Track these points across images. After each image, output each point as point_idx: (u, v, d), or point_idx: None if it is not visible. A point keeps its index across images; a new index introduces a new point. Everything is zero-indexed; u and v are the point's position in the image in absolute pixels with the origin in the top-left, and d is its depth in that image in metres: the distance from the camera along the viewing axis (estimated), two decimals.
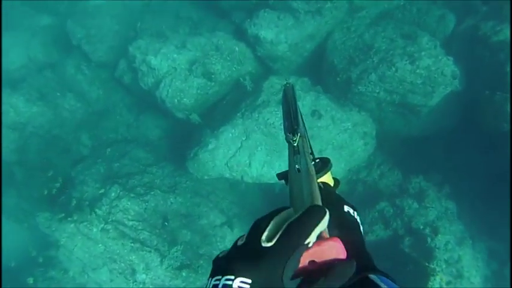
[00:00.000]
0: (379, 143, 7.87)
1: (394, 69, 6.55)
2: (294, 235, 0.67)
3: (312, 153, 1.20)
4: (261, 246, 0.66)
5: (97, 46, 9.27)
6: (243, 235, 0.73)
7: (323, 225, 0.69)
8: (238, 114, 6.79)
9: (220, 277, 0.64)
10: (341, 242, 0.70)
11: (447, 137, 7.61)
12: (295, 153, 1.06)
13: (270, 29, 6.88)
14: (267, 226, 0.69)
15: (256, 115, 6.69)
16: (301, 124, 1.16)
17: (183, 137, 8.45)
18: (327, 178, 1.29)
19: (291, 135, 1.11)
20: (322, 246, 0.68)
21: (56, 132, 8.98)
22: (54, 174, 8.81)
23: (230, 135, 6.77)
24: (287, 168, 1.09)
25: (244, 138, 6.74)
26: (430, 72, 6.56)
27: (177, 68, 7.02)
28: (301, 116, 1.23)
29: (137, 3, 10.44)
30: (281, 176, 1.19)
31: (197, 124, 7.57)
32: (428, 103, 6.97)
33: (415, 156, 8.09)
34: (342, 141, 7.25)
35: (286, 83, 1.35)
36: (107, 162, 8.57)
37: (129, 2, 10.55)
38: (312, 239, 0.67)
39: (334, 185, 1.33)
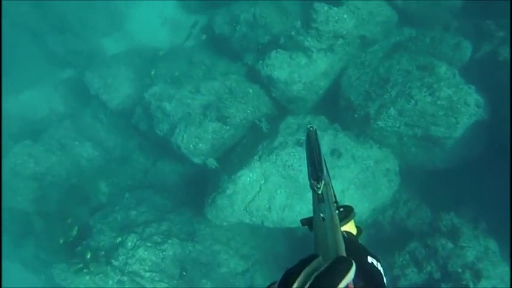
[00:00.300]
0: (403, 178, 7.50)
1: (413, 102, 6.32)
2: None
3: (336, 201, 1.22)
4: None
5: (114, 95, 9.46)
6: (275, 282, 0.77)
7: (349, 277, 0.72)
8: (255, 157, 6.62)
9: None
10: None
11: (476, 168, 7.19)
12: (320, 202, 1.09)
13: (283, 69, 6.85)
14: (297, 277, 0.72)
15: (274, 157, 6.50)
16: (325, 171, 1.19)
17: (201, 182, 8.30)
18: (350, 226, 1.32)
19: (315, 183, 1.14)
20: None
21: (74, 181, 9.01)
22: (72, 223, 8.75)
23: (248, 179, 6.57)
24: (309, 211, 1.14)
25: (262, 182, 6.52)
26: (452, 103, 6.29)
27: (192, 113, 7.00)
28: (325, 162, 1.24)
29: (151, 52, 10.76)
30: (305, 222, 1.21)
31: (214, 169, 7.42)
32: (453, 134, 6.65)
33: (443, 190, 7.66)
34: (364, 179, 6.94)
35: (310, 126, 1.38)
36: (124, 210, 8.46)
37: (143, 51, 10.89)
38: None
39: (357, 233, 1.35)
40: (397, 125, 6.75)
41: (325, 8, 6.41)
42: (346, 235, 1.21)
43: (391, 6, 7.47)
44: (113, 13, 11.75)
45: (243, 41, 8.18)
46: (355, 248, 1.17)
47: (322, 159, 1.24)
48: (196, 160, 7.31)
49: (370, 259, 1.13)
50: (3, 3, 11.40)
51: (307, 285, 0.70)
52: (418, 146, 7.19)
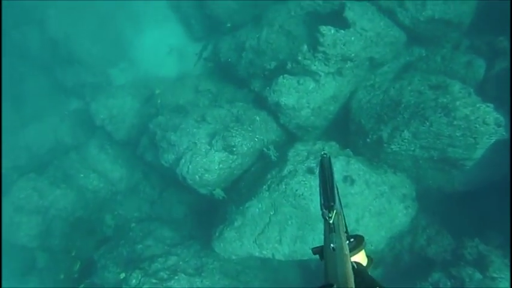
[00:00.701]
0: (420, 203, 7.12)
1: (428, 123, 6.02)
2: None
3: (347, 231, 1.21)
4: None
5: (119, 125, 9.34)
6: None
7: None
8: (264, 187, 6.33)
9: None
10: None
11: (499, 190, 6.75)
12: (331, 231, 1.10)
13: (291, 95, 6.64)
14: None
15: (284, 187, 6.20)
16: (337, 201, 1.19)
17: (209, 212, 8.01)
18: (361, 256, 1.30)
19: (326, 212, 1.15)
20: None
21: (79, 214, 8.78)
22: (76, 256, 8.49)
23: (257, 210, 6.25)
24: (321, 242, 1.12)
25: (272, 213, 6.19)
26: (470, 123, 5.96)
27: (197, 142, 6.78)
28: (338, 190, 1.23)
29: (157, 81, 10.72)
30: (316, 250, 1.21)
31: (222, 199, 7.13)
32: (472, 156, 6.29)
33: (465, 215, 7.22)
34: (379, 206, 6.57)
35: (323, 153, 1.38)
36: (130, 243, 8.18)
37: (149, 81, 10.87)
38: None
39: (367, 263, 1.33)
40: (412, 148, 6.43)
41: (332, 31, 6.24)
42: (355, 266, 1.19)
43: (399, 26, 7.29)
44: (120, 43, 11.83)
45: (249, 67, 8.05)
46: (364, 280, 1.15)
47: (335, 187, 1.22)
48: (203, 191, 7.04)
49: None
50: (13, 36, 11.63)
51: None
52: (435, 169, 6.83)
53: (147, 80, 10.88)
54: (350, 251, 1.15)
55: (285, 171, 6.30)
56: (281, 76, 6.78)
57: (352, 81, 7.26)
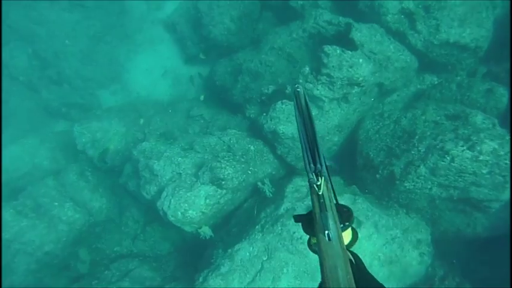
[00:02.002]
0: (437, 250, 6.19)
1: (449, 158, 5.19)
2: None
3: (335, 198, 1.13)
4: None
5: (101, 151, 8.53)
6: None
7: None
8: (257, 227, 5.43)
9: None
10: None
11: None
12: (322, 209, 0.99)
13: (290, 123, 5.85)
14: None
15: (279, 228, 5.30)
16: (323, 161, 1.07)
17: (195, 251, 7.08)
18: (348, 232, 1.25)
19: (314, 179, 1.06)
20: None
21: (49, 249, 7.77)
22: None
23: (248, 254, 5.33)
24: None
25: (265, 258, 5.26)
26: (499, 158, 5.13)
27: (182, 173, 5.95)
28: (320, 143, 1.12)
29: (148, 104, 10.04)
30: (299, 218, 1.14)
31: (209, 238, 6.21)
32: (500, 196, 5.43)
33: (489, 264, 6.27)
34: (390, 253, 5.65)
35: (297, 86, 1.20)
36: (104, 284, 7.20)
37: (140, 104, 10.19)
38: None
39: (352, 237, 1.28)
40: (429, 186, 5.58)
41: (338, 51, 5.54)
42: (353, 260, 1.13)
43: (410, 50, 6.62)
44: (112, 65, 11.25)
45: (245, 91, 7.34)
46: (364, 278, 1.11)
47: (318, 141, 1.10)
48: (187, 229, 6.12)
49: None
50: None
51: None
52: (454, 210, 5.96)
53: (138, 103, 10.20)
54: (341, 227, 1.06)
55: (282, 210, 5.42)
56: (279, 102, 6.03)
57: (359, 109, 6.51)
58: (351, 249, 1.20)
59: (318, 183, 1.02)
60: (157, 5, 11.08)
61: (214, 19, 8.64)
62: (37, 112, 11.17)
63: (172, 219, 5.71)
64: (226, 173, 5.53)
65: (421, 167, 5.32)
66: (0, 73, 10.78)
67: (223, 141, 6.30)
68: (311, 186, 1.06)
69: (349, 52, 5.59)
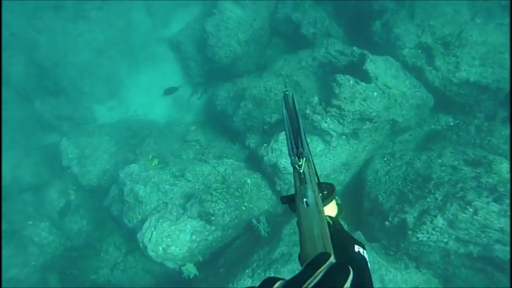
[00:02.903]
0: None
1: (471, 210, 4.58)
2: None
3: (318, 179, 1.16)
4: None
5: (88, 168, 7.95)
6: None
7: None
8: (247, 272, 4.75)
9: None
10: None
11: None
12: (302, 182, 1.06)
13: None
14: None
15: (272, 274, 4.61)
16: (306, 146, 1.14)
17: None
18: (332, 205, 1.30)
19: (296, 160, 1.11)
20: None
21: (13, 273, 7.03)
22: None
23: None
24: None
25: None
26: None
27: (169, 203, 5.32)
28: (305, 134, 1.20)
29: (143, 124, 9.53)
30: (285, 199, 1.19)
31: (194, 278, 5.51)
32: None
33: None
34: None
35: (286, 90, 1.32)
36: None
37: (135, 123, 9.68)
38: None
39: (338, 212, 1.32)
40: (445, 240, 4.93)
41: (351, 81, 5.05)
42: (331, 221, 1.17)
43: (427, 88, 6.16)
44: (112, 80, 10.83)
45: (246, 119, 6.82)
46: (341, 237, 1.13)
47: (302, 130, 1.17)
48: (170, 265, 5.43)
49: (356, 247, 1.11)
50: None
51: None
52: (472, 269, 5.26)
53: (133, 122, 9.69)
54: (322, 201, 1.09)
55: (276, 254, 4.76)
56: (283, 132, 5.49)
57: (368, 147, 5.97)
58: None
59: (300, 164, 1.08)
60: (164, 23, 10.81)
61: (221, 40, 8.27)
62: (29, 122, 10.65)
63: (152, 254, 5.04)
64: (217, 208, 4.91)
65: (438, 217, 4.70)
66: (0, 80, 10.38)
67: (218, 171, 5.72)
68: (293, 167, 1.11)
69: (364, 84, 5.10)
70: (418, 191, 5.22)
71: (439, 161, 5.52)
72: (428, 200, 4.95)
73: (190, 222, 4.95)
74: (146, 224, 5.25)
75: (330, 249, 0.84)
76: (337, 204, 1.33)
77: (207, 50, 8.70)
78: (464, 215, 4.54)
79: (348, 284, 0.64)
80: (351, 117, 5.18)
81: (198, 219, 4.94)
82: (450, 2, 6.73)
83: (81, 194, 8.09)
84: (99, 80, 10.75)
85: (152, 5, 10.93)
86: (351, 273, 0.65)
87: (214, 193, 5.03)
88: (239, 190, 5.26)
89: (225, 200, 5.01)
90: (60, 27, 10.48)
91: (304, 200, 0.99)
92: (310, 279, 0.63)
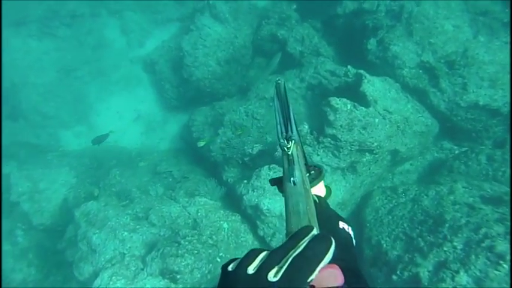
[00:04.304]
0: None
1: (506, 266, 3.68)
2: (299, 272, 0.61)
3: (306, 161, 1.20)
4: (268, 281, 0.60)
5: (41, 204, 6.85)
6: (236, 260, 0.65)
7: (328, 258, 0.64)
8: None
9: None
10: (339, 269, 0.65)
11: None
12: (290, 163, 1.07)
13: (278, 196, 4.35)
14: (275, 262, 0.62)
15: None
16: (295, 130, 1.17)
17: None
18: (320, 186, 1.34)
19: (284, 142, 1.12)
20: (322, 273, 0.63)
21: None
22: None
23: None
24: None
25: None
26: None
27: (127, 254, 4.28)
28: (295, 120, 1.24)
29: (112, 152, 8.50)
30: (274, 182, 1.22)
31: None
32: None
33: None
34: None
35: (278, 79, 1.32)
36: None
37: (103, 151, 8.64)
38: (316, 274, 0.62)
39: (326, 194, 1.37)
40: None
41: (348, 106, 4.22)
42: (317, 200, 1.20)
43: (431, 112, 5.40)
44: (79, 103, 9.83)
45: (225, 148, 5.89)
46: (326, 214, 1.18)
47: (292, 116, 1.19)
48: None
49: (341, 224, 1.15)
50: None
51: (283, 269, 0.60)
52: None
53: (101, 150, 8.63)
54: (310, 182, 1.14)
55: None
56: (266, 166, 4.57)
57: (366, 181, 5.09)
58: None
59: (288, 146, 1.06)
60: (139, 42, 9.97)
61: (198, 60, 7.44)
62: None
63: None
64: (184, 263, 3.88)
65: (461, 273, 3.79)
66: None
67: (189, 213, 4.73)
68: (282, 150, 1.09)
69: (363, 108, 4.28)
70: (429, 235, 4.32)
71: (451, 197, 4.67)
72: (445, 249, 4.05)
73: (150, 281, 3.91)
74: (98, 281, 4.17)
75: (315, 223, 0.85)
76: (325, 186, 1.36)
77: (183, 70, 7.85)
78: (497, 272, 3.63)
79: (329, 253, 0.63)
80: (349, 148, 4.31)
81: (160, 277, 3.91)
82: (450, 19, 6.11)
83: (32, 235, 6.92)
84: (65, 103, 9.74)
85: (127, 23, 10.11)
86: (333, 243, 0.64)
87: (182, 242, 4.02)
88: (213, 237, 4.26)
89: (195, 252, 4.00)
90: (22, 44, 9.54)
91: (292, 179, 0.98)
92: (293, 250, 0.63)
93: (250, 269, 0.62)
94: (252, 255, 0.64)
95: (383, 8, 6.30)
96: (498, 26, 6.32)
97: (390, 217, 4.89)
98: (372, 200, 5.15)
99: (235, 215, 4.64)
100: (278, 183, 1.17)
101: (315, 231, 0.68)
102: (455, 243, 4.04)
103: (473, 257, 3.79)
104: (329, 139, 4.31)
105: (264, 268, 0.61)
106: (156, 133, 9.03)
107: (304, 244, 0.64)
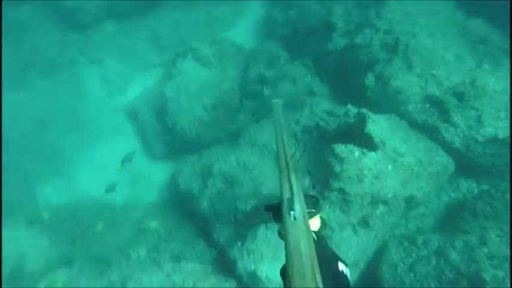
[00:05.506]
0: None
1: None
2: None
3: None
4: None
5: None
6: None
7: None
8: None
9: None
10: None
11: None
12: (291, 192, 1.10)
13: (277, 261, 3.62)
14: None
15: None
16: (290, 156, 1.21)
17: None
18: (316, 219, 1.39)
19: (284, 163, 1.19)
20: None
21: None
22: None
23: None
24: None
25: None
26: None
27: None
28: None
29: (93, 208, 7.72)
30: (269, 208, 1.25)
31: None
32: None
33: None
34: None
35: (275, 101, 1.44)
36: None
37: (85, 207, 7.87)
38: None
39: (321, 226, 1.40)
40: None
41: (356, 153, 3.61)
42: (315, 237, 1.25)
43: (445, 149, 4.81)
44: (57, 156, 9.17)
45: (215, 202, 5.19)
46: (325, 254, 1.22)
47: (287, 136, 1.30)
48: None
49: (340, 266, 1.26)
50: None
51: None
52: None
53: (79, 206, 7.88)
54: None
55: None
56: (263, 225, 3.88)
57: (379, 234, 4.39)
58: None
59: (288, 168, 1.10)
60: (121, 90, 9.49)
61: (182, 107, 6.90)
62: None
63: None
64: None
65: None
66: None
67: (174, 282, 3.95)
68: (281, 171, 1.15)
69: (373, 154, 3.67)
70: None
71: (485, 250, 3.97)
72: None
73: None
74: None
75: (318, 279, 0.82)
76: (320, 218, 1.37)
77: (167, 118, 7.28)
78: None
79: None
80: (359, 202, 3.65)
81: None
82: (449, 48, 5.72)
83: None
84: (42, 156, 9.08)
85: (108, 70, 9.70)
86: None
87: None
88: None
89: None
90: None
91: (292, 212, 0.97)
92: None
93: None
94: None
95: (377, 42, 5.89)
96: (500, 53, 5.94)
97: (412, 275, 4.16)
98: (388, 254, 4.42)
99: (230, 280, 3.86)
100: (273, 209, 1.17)
101: None
102: None
103: None
104: (336, 193, 3.66)
105: None
106: (141, 185, 8.32)
107: None
